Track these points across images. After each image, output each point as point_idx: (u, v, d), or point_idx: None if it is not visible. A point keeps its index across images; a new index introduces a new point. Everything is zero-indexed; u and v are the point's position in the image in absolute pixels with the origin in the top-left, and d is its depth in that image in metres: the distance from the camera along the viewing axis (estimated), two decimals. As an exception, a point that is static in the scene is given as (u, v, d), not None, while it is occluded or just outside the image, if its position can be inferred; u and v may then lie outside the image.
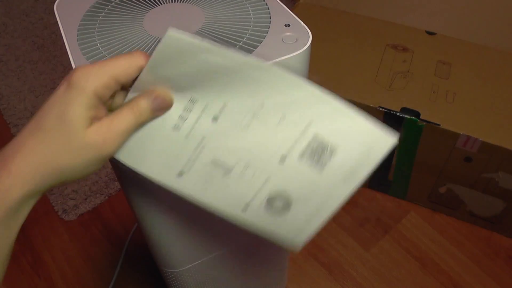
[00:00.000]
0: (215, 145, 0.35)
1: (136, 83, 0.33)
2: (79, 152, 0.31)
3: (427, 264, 1.02)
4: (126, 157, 0.35)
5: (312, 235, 0.37)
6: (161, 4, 0.48)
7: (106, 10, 0.47)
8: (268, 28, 0.44)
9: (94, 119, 0.31)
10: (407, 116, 0.94)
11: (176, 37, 0.32)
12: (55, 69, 1.50)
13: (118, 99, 0.34)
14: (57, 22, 0.46)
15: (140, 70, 0.32)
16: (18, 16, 1.71)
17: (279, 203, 0.36)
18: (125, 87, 0.34)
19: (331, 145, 0.35)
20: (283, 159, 0.35)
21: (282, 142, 0.35)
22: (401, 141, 0.99)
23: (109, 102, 0.33)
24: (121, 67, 0.31)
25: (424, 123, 0.93)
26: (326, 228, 1.10)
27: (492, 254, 1.03)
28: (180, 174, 0.36)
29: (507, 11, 1.13)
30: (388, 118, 0.96)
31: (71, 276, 1.03)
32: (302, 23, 0.45)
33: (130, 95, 0.34)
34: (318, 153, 0.35)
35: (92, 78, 0.30)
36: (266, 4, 0.47)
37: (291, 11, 0.46)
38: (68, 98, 0.30)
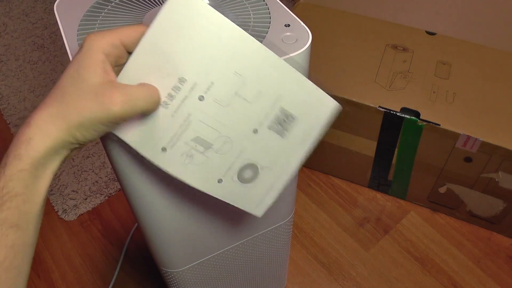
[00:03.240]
0: (199, 123, 0.37)
1: (138, 47, 0.34)
2: (87, 106, 0.32)
3: (427, 264, 1.02)
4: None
5: (274, 200, 0.43)
6: (161, 4, 0.48)
7: (106, 10, 0.47)
8: (268, 28, 0.44)
9: (105, 78, 0.33)
10: (407, 116, 0.94)
11: None
12: (55, 69, 1.50)
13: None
14: (57, 22, 0.46)
15: (142, 33, 0.34)
16: (18, 16, 1.71)
17: (248, 173, 0.40)
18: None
19: (292, 115, 0.39)
20: (255, 131, 0.38)
21: (256, 116, 0.38)
22: (401, 141, 1.00)
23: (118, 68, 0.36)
24: (126, 30, 0.34)
25: (424, 123, 0.93)
26: (326, 228, 1.11)
27: (492, 254, 1.03)
28: (164, 149, 0.37)
29: (507, 11, 1.13)
30: (388, 118, 0.96)
31: (71, 276, 1.03)
32: (302, 23, 0.45)
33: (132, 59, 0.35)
34: (282, 123, 0.39)
35: (99, 38, 0.33)
36: (266, 4, 0.47)
37: (291, 11, 0.46)
38: (80, 56, 0.33)
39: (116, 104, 0.32)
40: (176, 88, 0.35)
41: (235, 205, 0.42)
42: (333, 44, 1.10)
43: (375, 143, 1.03)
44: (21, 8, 1.74)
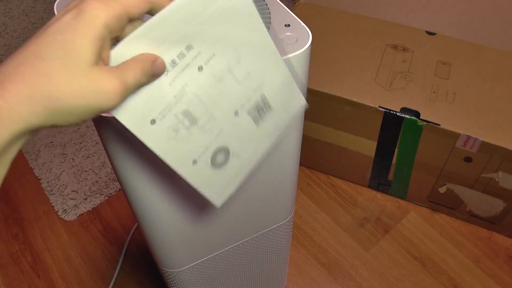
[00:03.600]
0: (192, 95, 0.36)
1: (155, 19, 0.31)
2: (81, 92, 0.27)
3: (427, 264, 1.02)
4: None
5: (233, 191, 0.44)
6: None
7: (106, 10, 0.47)
8: (268, 28, 0.44)
9: (99, 59, 0.29)
10: (407, 116, 0.94)
11: None
12: (55, 69, 1.50)
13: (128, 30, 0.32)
14: (57, 22, 0.46)
15: (151, 3, 0.30)
16: (18, 16, 1.71)
17: (221, 157, 0.41)
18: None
19: (270, 104, 0.40)
20: (236, 114, 0.39)
21: (240, 97, 0.39)
22: (401, 141, 1.00)
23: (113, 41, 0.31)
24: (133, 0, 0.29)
25: (424, 123, 0.93)
26: (326, 228, 1.11)
27: (492, 254, 1.03)
28: (153, 122, 0.36)
29: (507, 11, 1.13)
30: (388, 118, 0.96)
31: (71, 276, 1.03)
32: (302, 23, 0.45)
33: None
34: (260, 111, 0.40)
35: (103, 7, 0.28)
36: (266, 4, 0.47)
37: (291, 11, 0.46)
38: (77, 25, 0.27)
39: (116, 96, 0.29)
40: (181, 55, 0.34)
41: (200, 191, 0.42)
42: (333, 44, 1.10)
43: (375, 143, 1.03)
44: (21, 8, 1.74)
